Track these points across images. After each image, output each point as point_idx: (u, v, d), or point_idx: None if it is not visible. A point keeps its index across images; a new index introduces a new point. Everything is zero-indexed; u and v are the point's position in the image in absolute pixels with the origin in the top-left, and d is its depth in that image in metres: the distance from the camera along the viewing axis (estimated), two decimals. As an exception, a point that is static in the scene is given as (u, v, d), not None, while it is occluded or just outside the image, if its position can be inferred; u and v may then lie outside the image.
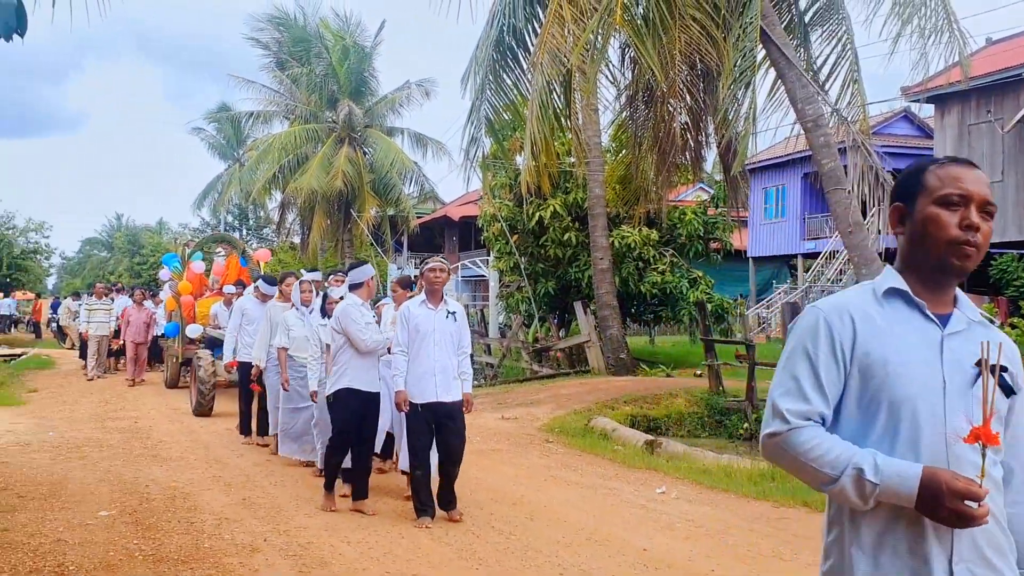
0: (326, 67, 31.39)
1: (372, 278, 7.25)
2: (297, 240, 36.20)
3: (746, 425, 13.62)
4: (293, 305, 8.96)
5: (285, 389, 8.76)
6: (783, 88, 11.24)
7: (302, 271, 10.35)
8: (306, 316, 8.60)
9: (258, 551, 5.76)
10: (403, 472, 7.50)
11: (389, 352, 6.90)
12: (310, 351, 8.06)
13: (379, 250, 32.43)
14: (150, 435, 10.96)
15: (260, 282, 10.75)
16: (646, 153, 13.21)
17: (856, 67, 11.47)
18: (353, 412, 6.92)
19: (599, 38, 9.85)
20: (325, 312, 7.89)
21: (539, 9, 11.90)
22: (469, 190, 27.94)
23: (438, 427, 6.66)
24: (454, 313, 6.77)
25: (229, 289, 13.77)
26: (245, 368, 10.19)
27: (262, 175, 31.62)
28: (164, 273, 17.87)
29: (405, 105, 32.76)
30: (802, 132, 10.99)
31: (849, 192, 10.25)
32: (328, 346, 7.43)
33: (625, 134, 20.34)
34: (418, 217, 34.75)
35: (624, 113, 12.95)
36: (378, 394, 7.14)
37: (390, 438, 8.19)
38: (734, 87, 10.74)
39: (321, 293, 8.43)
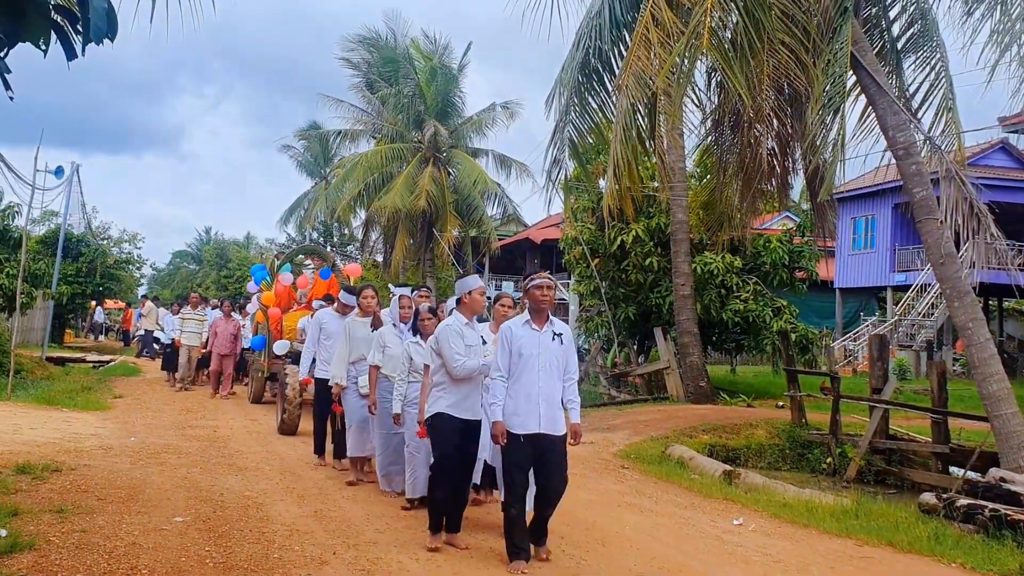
0: (413, 87, 31.82)
1: (476, 292, 6.71)
2: (380, 258, 36.67)
3: (829, 459, 13.22)
4: (393, 323, 8.50)
5: (371, 412, 8.27)
6: (873, 115, 10.96)
7: (390, 286, 9.84)
8: (404, 333, 8.07)
9: (327, 564, 5.76)
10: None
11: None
12: (398, 371, 7.69)
13: (460, 271, 32.63)
14: (228, 445, 11.14)
15: (341, 293, 10.36)
16: (731, 179, 13.00)
17: (951, 95, 11.10)
18: (449, 440, 6.35)
19: (685, 61, 9.73)
20: (416, 330, 7.59)
21: (626, 33, 11.82)
22: (551, 213, 27.96)
23: (539, 462, 6.00)
24: (561, 335, 6.16)
25: (318, 303, 13.33)
26: (321, 385, 9.81)
27: (347, 193, 32.14)
28: (252, 285, 17.98)
29: (490, 126, 33.07)
30: (893, 161, 10.67)
31: (941, 223, 9.89)
32: (425, 366, 6.99)
33: (709, 159, 20.13)
34: (500, 239, 34.90)
35: (709, 138, 12.79)
36: (479, 422, 6.59)
37: (489, 468, 7.64)
38: (823, 113, 10.50)
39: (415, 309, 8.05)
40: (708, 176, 18.10)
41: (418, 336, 7.55)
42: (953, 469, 11.67)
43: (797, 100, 11.16)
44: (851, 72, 10.65)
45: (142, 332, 30.44)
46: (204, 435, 11.88)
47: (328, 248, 48.30)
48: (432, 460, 6.58)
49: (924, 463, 12.67)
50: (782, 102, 10.97)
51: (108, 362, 25.16)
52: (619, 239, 20.18)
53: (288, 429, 12.32)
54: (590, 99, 12.37)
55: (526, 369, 6.00)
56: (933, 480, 11.43)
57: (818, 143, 11.30)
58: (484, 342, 6.81)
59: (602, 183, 20.99)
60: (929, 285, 28.54)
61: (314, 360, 10.03)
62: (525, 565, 5.85)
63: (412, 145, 32.12)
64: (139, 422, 12.91)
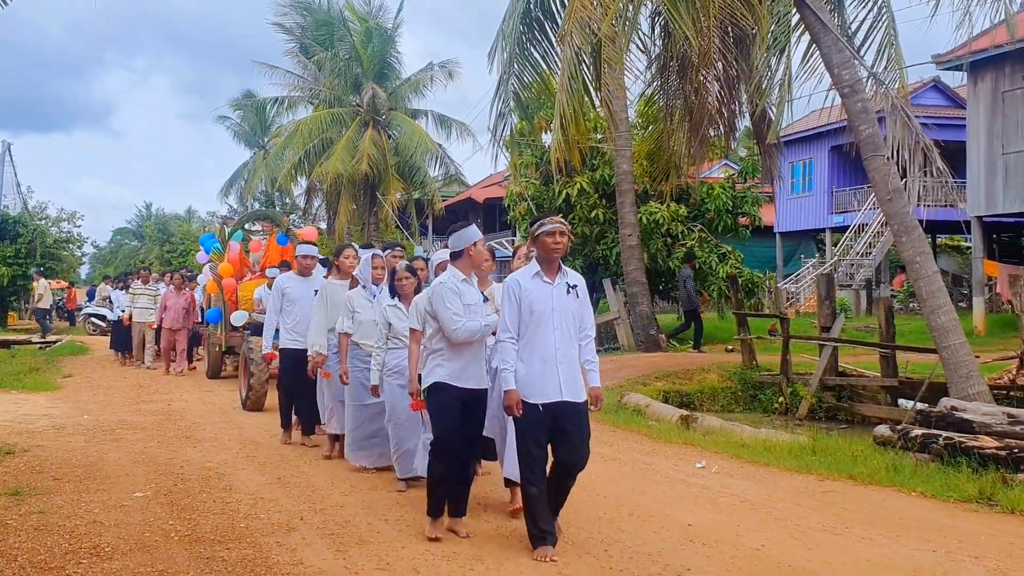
0: (349, 50, 31.28)
1: (479, 243, 5.91)
2: (324, 226, 36.23)
3: (781, 399, 13.45)
4: (363, 286, 7.81)
5: (344, 382, 7.64)
6: (818, 54, 10.97)
7: (354, 247, 8.82)
8: (378, 295, 7.38)
9: (294, 530, 5.67)
10: (508, 482, 6.14)
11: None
12: (374, 337, 7.09)
13: (405, 233, 32.37)
14: (184, 418, 10.93)
15: (300, 247, 9.53)
16: (677, 125, 12.96)
17: (893, 31, 11.15)
18: (452, 413, 5.55)
19: (630, 6, 9.61)
20: (395, 291, 6.97)
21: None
22: (497, 170, 27.82)
23: (559, 433, 5.22)
24: (575, 287, 5.38)
25: (273, 271, 12.58)
26: (287, 356, 9.09)
27: (287, 161, 31.62)
28: (202, 256, 17.12)
29: (428, 87, 32.74)
30: (838, 100, 10.71)
31: (888, 159, 9.98)
32: (412, 330, 6.23)
33: (653, 108, 20.14)
34: (443, 200, 34.64)
35: (654, 84, 12.70)
36: (484, 391, 5.82)
37: (486, 440, 6.35)
38: (768, 53, 10.50)
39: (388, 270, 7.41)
40: (652, 125, 18.07)
41: (396, 298, 6.94)
42: (902, 402, 11.94)
43: (743, 41, 11.12)
44: (794, 11, 10.64)
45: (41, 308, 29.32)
46: (159, 410, 11.65)
47: (270, 217, 47.62)
48: (426, 434, 6.10)
49: (874, 397, 12.98)
50: (728, 43, 10.90)
51: (54, 343, 24.58)
52: (564, 192, 20.16)
53: (255, 405, 11.63)
54: (533, 50, 12.23)
55: (540, 328, 5.20)
56: (883, 413, 11.70)
57: (764, 85, 11.33)
58: (485, 299, 6.03)
59: (546, 138, 20.97)
60: (866, 225, 29.11)
61: (277, 331, 9.30)
62: (553, 551, 5.13)
63: (351, 109, 31.63)
64: (91, 400, 12.61)
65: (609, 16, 9.62)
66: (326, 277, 8.96)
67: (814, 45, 10.98)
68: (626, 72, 12.02)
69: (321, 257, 9.96)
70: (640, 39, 11.42)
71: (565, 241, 5.32)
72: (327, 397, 8.45)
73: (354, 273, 8.11)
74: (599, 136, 19.57)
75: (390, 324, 6.92)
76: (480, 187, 39.28)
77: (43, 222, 35.44)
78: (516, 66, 12.12)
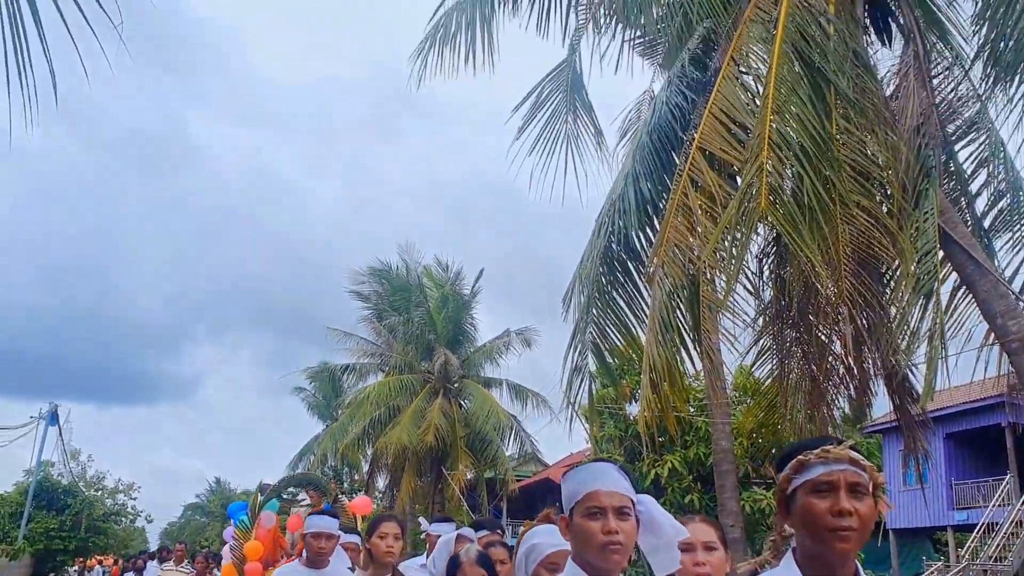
0: (424, 315, 30.62)
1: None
2: (385, 503, 33.89)
3: None
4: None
5: None
6: (970, 299, 8.84)
7: (421, 521, 6.59)
8: None
9: None
10: None
11: None
12: None
13: (473, 516, 29.76)
14: None
15: (311, 521, 5.86)
16: (792, 391, 10.64)
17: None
18: None
19: (738, 233, 7.70)
20: None
21: (655, 218, 9.96)
22: (572, 441, 25.60)
23: None
24: None
25: None
26: None
27: (353, 431, 30.01)
28: (228, 531, 14.85)
29: (503, 354, 31.46)
30: (1004, 355, 8.42)
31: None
32: None
33: (752, 379, 17.94)
34: (518, 479, 32.28)
35: (762, 341, 10.56)
36: None
37: None
38: (910, 299, 8.37)
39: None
40: (753, 396, 15.86)
41: None
42: None
43: (871, 282, 9.05)
44: (938, 246, 8.63)
45: None
46: None
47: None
48: None
49: None
50: (856, 285, 8.84)
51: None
52: (652, 472, 17.85)
53: None
54: (615, 295, 10.30)
55: None
56: None
57: (904, 339, 9.09)
58: None
59: (631, 408, 19.01)
60: (996, 524, 25.65)
61: None
62: None
63: (421, 376, 30.35)
64: None
65: (713, 239, 7.67)
66: (352, 569, 5.97)
67: (963, 289, 8.90)
68: (723, 336, 9.93)
69: (350, 535, 6.98)
70: (749, 278, 9.41)
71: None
72: None
73: (419, 565, 5.39)
74: (691, 409, 17.50)
75: None
76: (559, 466, 36.79)
77: (99, 492, 34.19)
78: (595, 311, 10.17)
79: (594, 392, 11.86)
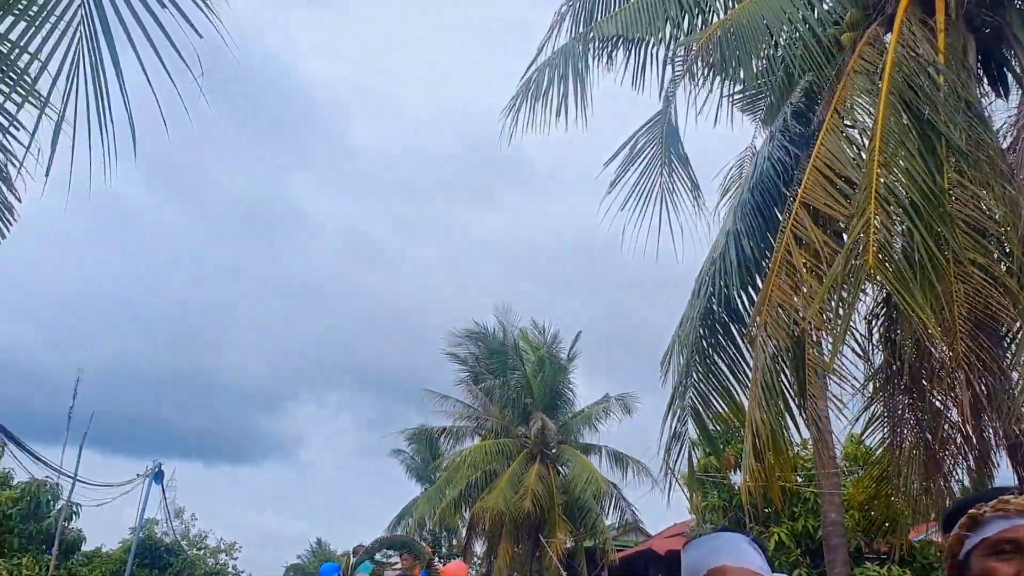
0: (520, 379, 30.29)
1: None
2: (482, 570, 33.33)
3: None
4: None
5: None
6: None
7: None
8: None
9: None
10: None
11: None
12: None
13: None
14: None
15: None
16: (906, 461, 10.03)
17: None
18: None
19: (847, 291, 7.31)
20: None
21: (758, 278, 9.60)
22: (669, 505, 24.76)
23: None
24: None
25: None
26: None
27: (450, 494, 29.70)
28: None
29: (602, 420, 30.74)
30: None
31: None
32: None
33: (861, 448, 17.21)
34: (618, 549, 31.30)
35: (872, 407, 10.00)
36: None
37: None
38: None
39: None
40: (863, 466, 15.07)
41: None
42: None
43: (990, 344, 8.46)
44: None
45: None
46: None
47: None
48: None
49: None
50: (973, 347, 8.29)
51: None
52: (757, 545, 16.94)
53: None
54: (717, 358, 9.92)
55: None
56: None
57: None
58: None
59: (735, 477, 18.22)
60: None
61: None
62: None
63: (518, 440, 29.93)
64: None
65: (819, 298, 7.30)
66: None
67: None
68: (830, 402, 9.43)
69: None
70: (857, 340, 8.92)
71: None
72: None
73: None
74: (798, 479, 16.68)
75: None
76: (662, 537, 35.58)
77: (200, 551, 34.56)
78: (695, 376, 9.80)
79: (695, 460, 11.50)
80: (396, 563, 14.56)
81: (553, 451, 29.94)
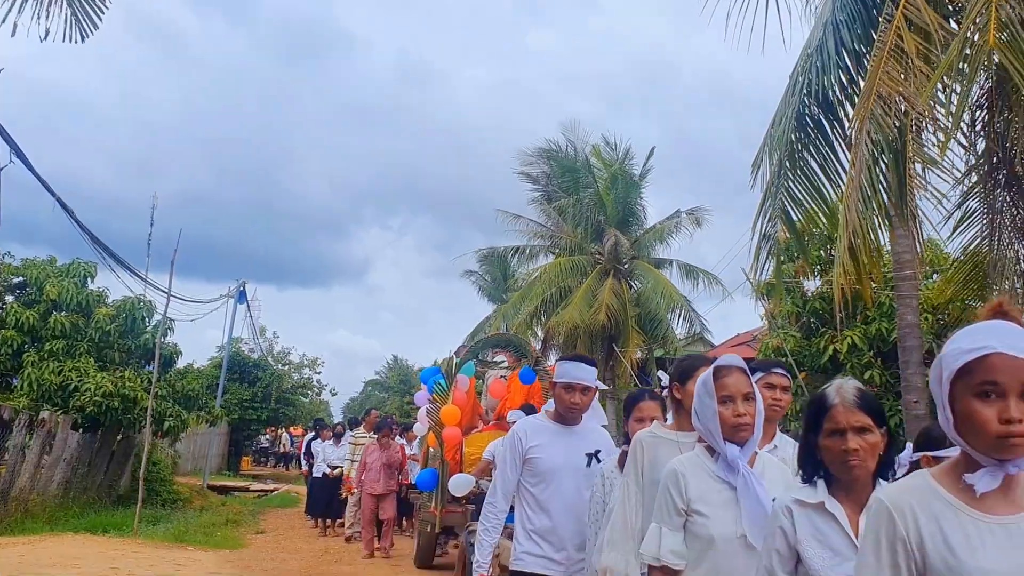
0: (593, 196, 30.21)
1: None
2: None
3: None
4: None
5: None
6: None
7: (660, 375, 4.66)
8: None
9: None
10: None
11: None
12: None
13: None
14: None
15: (563, 368, 4.87)
16: (997, 259, 10.00)
17: None
18: None
19: (963, 76, 7.04)
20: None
21: (857, 68, 9.32)
22: (733, 315, 25.03)
23: None
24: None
25: (516, 414, 8.88)
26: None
27: (524, 310, 30.44)
28: (420, 396, 12.37)
29: (674, 234, 30.77)
30: None
31: None
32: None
33: (940, 253, 17.06)
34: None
35: (967, 203, 9.91)
36: None
37: None
38: None
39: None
40: (940, 271, 15.04)
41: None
42: None
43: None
44: None
45: None
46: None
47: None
48: None
49: None
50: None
51: (272, 491, 23.88)
52: (830, 348, 17.17)
53: None
54: (809, 158, 9.84)
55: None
56: None
57: None
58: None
59: (808, 284, 18.29)
60: None
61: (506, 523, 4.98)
62: None
63: (591, 257, 30.23)
64: (261, 567, 10.84)
65: (928, 89, 7.11)
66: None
67: None
68: (931, 193, 9.25)
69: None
70: (963, 131, 8.72)
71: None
72: None
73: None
74: (872, 284, 16.64)
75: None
76: (726, 346, 36.31)
77: (285, 367, 36.12)
78: (786, 178, 9.75)
79: (770, 269, 11.49)
80: (501, 361, 14.14)
81: (626, 266, 30.23)
